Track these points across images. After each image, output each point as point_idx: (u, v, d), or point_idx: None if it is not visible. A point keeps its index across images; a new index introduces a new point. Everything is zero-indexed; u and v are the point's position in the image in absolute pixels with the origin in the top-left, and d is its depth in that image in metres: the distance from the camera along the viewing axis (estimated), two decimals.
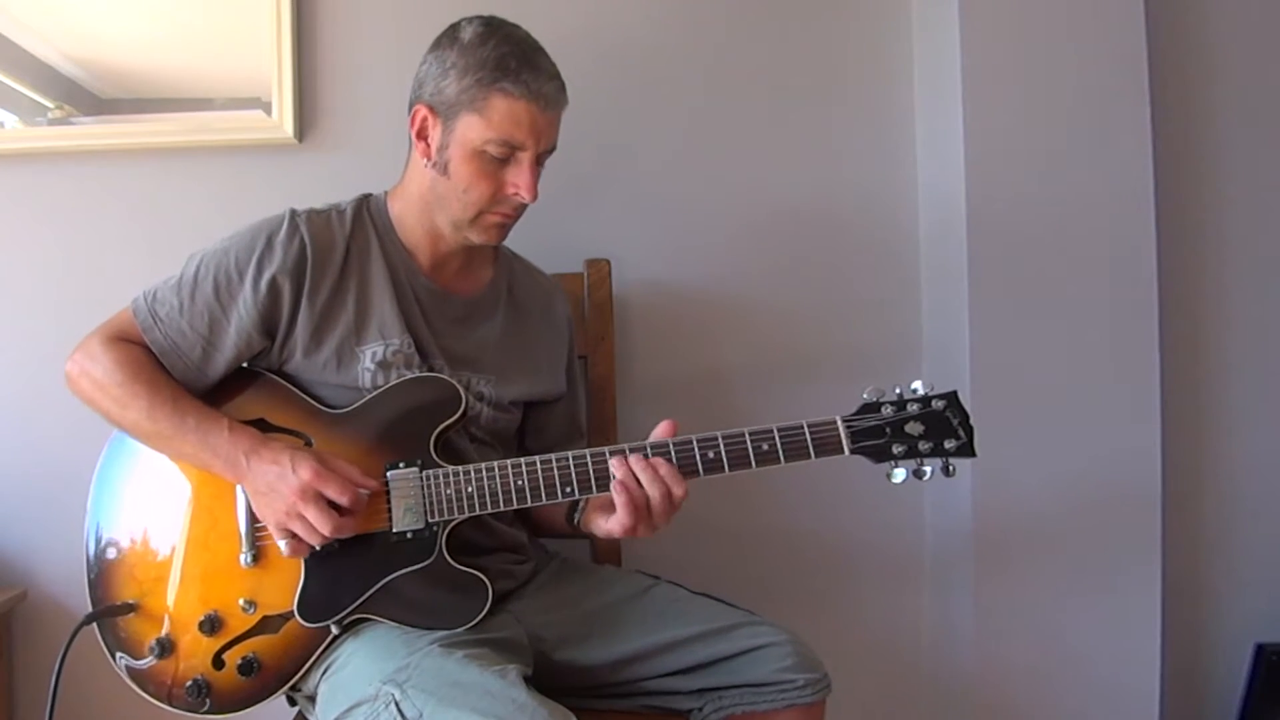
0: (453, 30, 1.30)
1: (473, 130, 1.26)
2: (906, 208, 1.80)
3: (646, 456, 1.20)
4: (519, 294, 1.47)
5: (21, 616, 1.71)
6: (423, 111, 1.30)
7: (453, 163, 1.28)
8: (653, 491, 1.19)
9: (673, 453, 1.21)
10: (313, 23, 1.73)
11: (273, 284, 1.26)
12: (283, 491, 1.18)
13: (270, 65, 1.69)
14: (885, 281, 1.81)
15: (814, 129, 1.79)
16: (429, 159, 1.30)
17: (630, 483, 1.20)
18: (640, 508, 1.20)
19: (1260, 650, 1.79)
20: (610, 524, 1.23)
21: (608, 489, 1.22)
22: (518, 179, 1.28)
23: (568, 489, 1.23)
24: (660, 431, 1.23)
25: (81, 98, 1.72)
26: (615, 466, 1.20)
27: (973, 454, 1.22)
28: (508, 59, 1.25)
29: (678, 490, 1.19)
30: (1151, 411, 1.67)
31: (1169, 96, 1.76)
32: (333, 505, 1.18)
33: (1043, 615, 1.68)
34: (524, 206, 1.32)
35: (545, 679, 1.25)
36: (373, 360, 1.29)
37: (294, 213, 1.31)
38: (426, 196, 1.33)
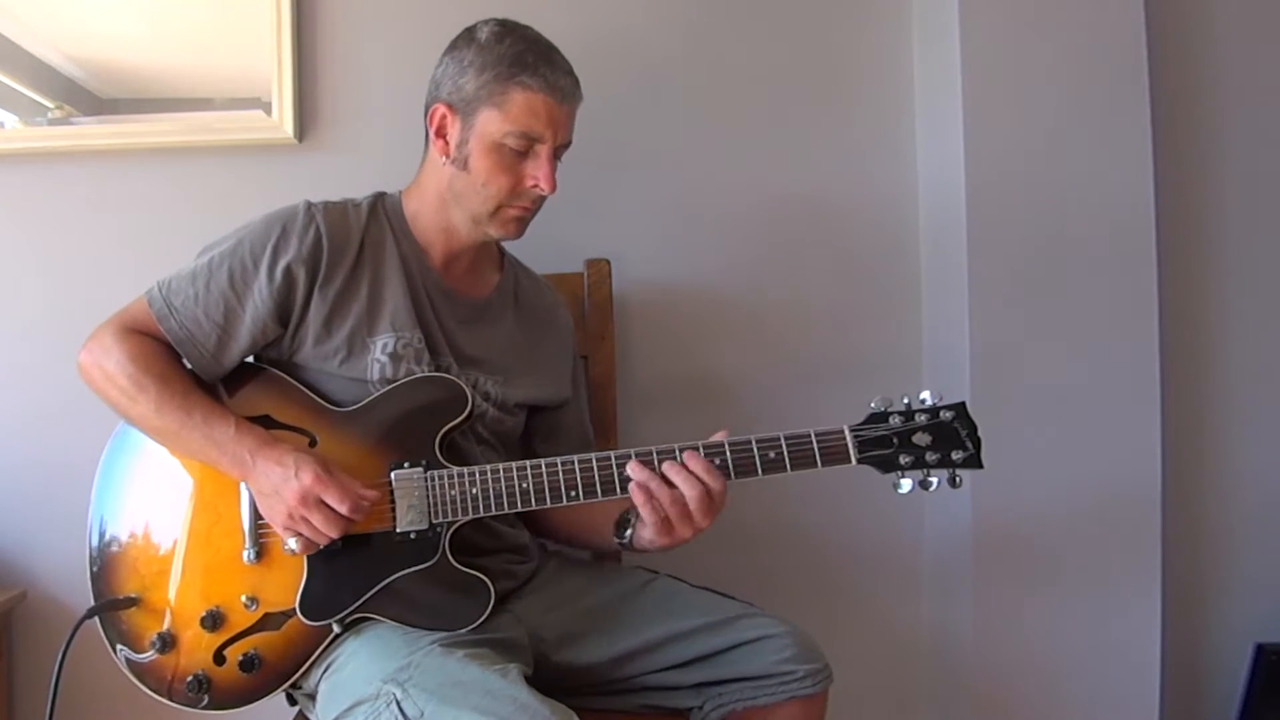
0: (469, 32, 1.33)
1: (492, 124, 1.28)
2: (906, 207, 1.80)
3: (676, 459, 1.21)
4: (524, 300, 1.48)
5: (21, 616, 1.71)
6: (441, 109, 1.32)
7: (472, 157, 1.30)
8: (689, 491, 1.20)
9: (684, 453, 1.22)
10: (313, 23, 1.73)
11: (288, 272, 1.27)
12: (285, 496, 1.18)
13: (270, 65, 1.68)
14: (885, 281, 1.81)
15: (814, 129, 1.80)
16: (447, 156, 1.32)
17: (654, 486, 1.20)
18: (677, 507, 1.20)
19: (1260, 650, 1.79)
20: (644, 532, 1.24)
21: (613, 493, 1.22)
22: (536, 171, 1.30)
23: (573, 493, 1.23)
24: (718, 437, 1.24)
25: (81, 98, 1.72)
26: (634, 471, 1.21)
27: (980, 465, 1.22)
28: (525, 55, 1.28)
29: (716, 484, 1.20)
30: (1151, 412, 1.68)
31: (1169, 96, 1.76)
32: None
33: (1042, 615, 1.68)
34: (542, 200, 1.34)
35: (546, 679, 1.26)
36: (383, 351, 1.29)
37: (310, 204, 1.32)
38: (444, 194, 1.34)
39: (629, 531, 1.27)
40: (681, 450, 1.21)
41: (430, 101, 1.34)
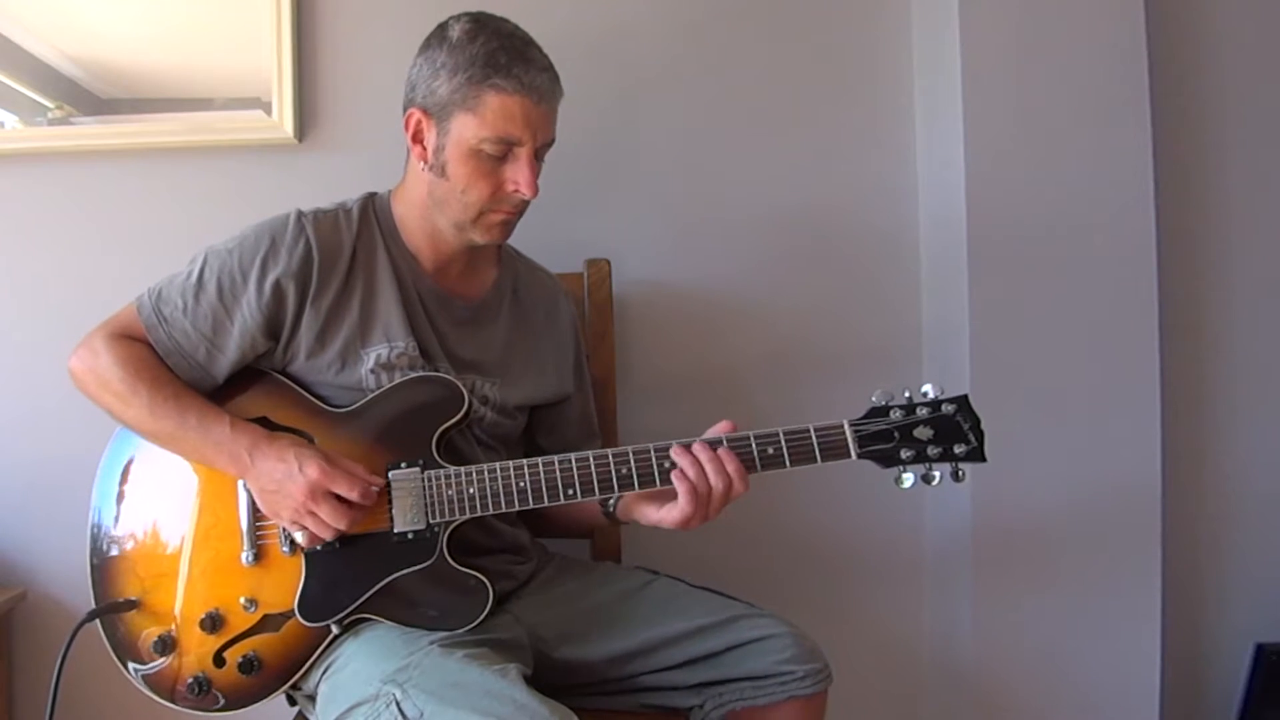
0: (440, 30, 1.29)
1: (468, 129, 1.24)
2: (907, 207, 1.80)
3: (714, 449, 1.20)
4: (523, 295, 1.46)
5: (21, 616, 1.71)
6: (416, 115, 1.29)
7: (450, 164, 1.27)
8: (717, 484, 1.19)
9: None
10: (313, 23, 1.73)
11: (277, 287, 1.26)
12: (291, 491, 1.18)
13: (270, 65, 1.69)
14: (885, 281, 1.81)
15: (814, 128, 1.79)
16: (426, 162, 1.29)
17: (695, 475, 1.19)
18: (702, 498, 1.20)
19: (1260, 650, 1.79)
20: (663, 513, 1.23)
21: (610, 490, 1.22)
22: (517, 175, 1.26)
23: (569, 491, 1.22)
24: (720, 429, 1.23)
25: (81, 98, 1.72)
26: (678, 457, 1.20)
27: (983, 459, 1.21)
28: (498, 54, 1.23)
29: (741, 487, 1.20)
30: (1151, 412, 1.67)
31: (1169, 96, 1.76)
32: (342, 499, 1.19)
33: (1043, 614, 1.68)
34: (526, 203, 1.30)
35: (545, 677, 1.26)
36: (376, 363, 1.28)
37: (300, 214, 1.30)
38: (426, 200, 1.32)
39: (613, 503, 1.30)
40: (716, 446, 1.21)
41: (405, 105, 1.31)
